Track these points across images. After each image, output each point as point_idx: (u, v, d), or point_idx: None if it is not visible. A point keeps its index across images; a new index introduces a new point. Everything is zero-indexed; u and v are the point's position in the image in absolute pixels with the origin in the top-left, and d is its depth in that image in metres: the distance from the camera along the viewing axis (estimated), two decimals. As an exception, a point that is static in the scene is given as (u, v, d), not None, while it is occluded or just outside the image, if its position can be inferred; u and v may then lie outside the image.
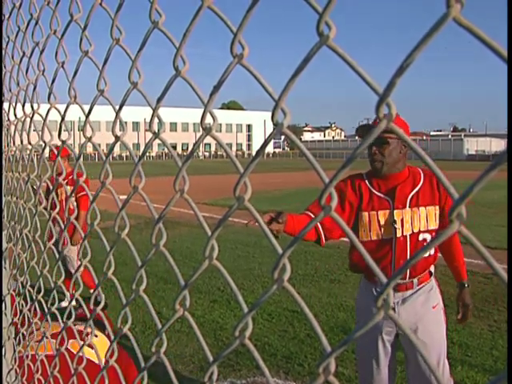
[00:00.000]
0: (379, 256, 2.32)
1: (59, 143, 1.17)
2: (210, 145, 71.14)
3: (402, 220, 2.33)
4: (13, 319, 1.67)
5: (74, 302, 1.29)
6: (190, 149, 0.69)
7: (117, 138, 0.90)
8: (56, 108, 1.15)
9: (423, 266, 2.40)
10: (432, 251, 2.39)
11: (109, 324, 1.07)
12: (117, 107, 0.88)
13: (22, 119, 1.43)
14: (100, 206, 1.06)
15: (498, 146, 57.62)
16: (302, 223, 2.12)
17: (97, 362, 1.18)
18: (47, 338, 1.40)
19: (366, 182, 2.40)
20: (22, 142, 1.47)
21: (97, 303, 1.08)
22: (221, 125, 71.78)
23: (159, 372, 1.31)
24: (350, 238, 0.51)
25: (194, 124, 69.69)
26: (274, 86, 0.54)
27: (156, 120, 0.77)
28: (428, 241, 2.34)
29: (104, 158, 0.92)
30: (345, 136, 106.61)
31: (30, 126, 1.36)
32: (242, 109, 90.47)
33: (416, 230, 2.34)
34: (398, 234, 2.33)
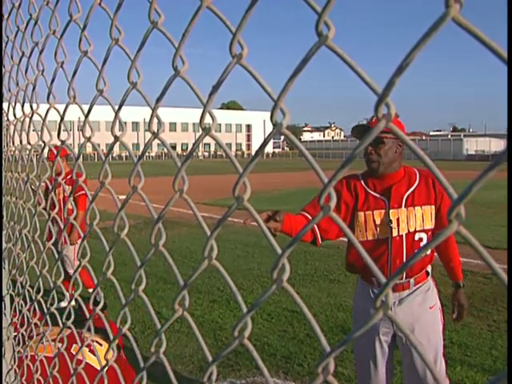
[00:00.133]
0: (375, 256, 2.32)
1: (58, 143, 1.17)
2: (209, 145, 71.09)
3: (397, 219, 2.33)
4: (12, 319, 1.67)
5: (73, 302, 1.29)
6: (189, 149, 0.69)
7: (116, 138, 0.90)
8: (55, 108, 1.15)
9: (420, 266, 2.40)
10: (428, 251, 2.39)
11: (112, 328, 1.07)
12: (116, 107, 0.88)
13: (22, 119, 1.43)
14: (99, 206, 1.06)
15: (498, 146, 57.62)
16: (298, 223, 2.12)
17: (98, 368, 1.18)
18: (47, 341, 1.40)
19: (362, 182, 2.40)
20: (21, 142, 1.47)
21: (96, 303, 1.08)
22: (220, 125, 71.70)
23: (159, 372, 1.31)
24: (349, 238, 0.51)
25: (194, 124, 69.61)
26: (273, 86, 0.54)
27: (155, 120, 0.77)
28: (424, 240, 2.35)
29: (103, 157, 0.92)
30: (344, 136, 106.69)
31: (29, 126, 1.35)
32: (241, 109, 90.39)
33: (412, 230, 2.34)
34: (394, 234, 2.34)
